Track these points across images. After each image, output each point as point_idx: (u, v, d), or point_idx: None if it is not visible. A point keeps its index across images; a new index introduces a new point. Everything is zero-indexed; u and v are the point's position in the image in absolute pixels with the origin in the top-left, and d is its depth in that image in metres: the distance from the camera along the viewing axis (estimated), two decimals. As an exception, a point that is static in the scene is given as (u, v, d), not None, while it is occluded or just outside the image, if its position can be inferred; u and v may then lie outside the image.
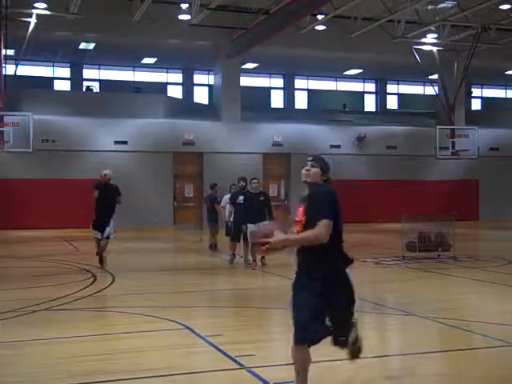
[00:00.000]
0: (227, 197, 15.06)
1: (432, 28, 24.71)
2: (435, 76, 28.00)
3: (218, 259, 15.20)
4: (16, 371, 5.90)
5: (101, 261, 12.76)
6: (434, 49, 26.01)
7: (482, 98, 35.71)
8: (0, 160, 22.46)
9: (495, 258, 14.79)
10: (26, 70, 26.37)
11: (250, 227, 12.66)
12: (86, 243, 19.19)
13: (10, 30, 20.68)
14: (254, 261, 13.12)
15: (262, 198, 13.27)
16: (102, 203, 12.60)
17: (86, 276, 11.89)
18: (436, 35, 25.24)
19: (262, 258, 13.05)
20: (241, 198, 13.62)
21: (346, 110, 31.27)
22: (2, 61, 21.06)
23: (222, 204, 15.54)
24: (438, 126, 25.92)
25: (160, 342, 6.91)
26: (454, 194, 28.08)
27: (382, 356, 6.63)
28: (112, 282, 11.34)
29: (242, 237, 13.59)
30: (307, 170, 4.62)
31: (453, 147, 25.85)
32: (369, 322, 8.52)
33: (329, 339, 4.65)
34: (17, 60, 21.88)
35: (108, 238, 12.64)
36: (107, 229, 12.55)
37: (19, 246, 17.84)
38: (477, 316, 8.53)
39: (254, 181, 13.59)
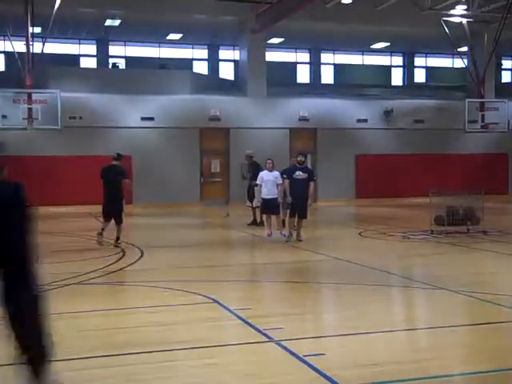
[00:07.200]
0: (263, 174, 14.49)
1: (461, -1, 24.20)
2: (464, 48, 27.48)
3: (246, 234, 15.23)
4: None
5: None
6: (464, 20, 25.48)
7: (512, 70, 35.04)
8: (29, 137, 22.63)
9: (525, 232, 14.62)
10: (53, 47, 26.42)
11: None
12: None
13: (36, 7, 20.74)
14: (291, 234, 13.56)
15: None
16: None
17: (114, 251, 12.02)
18: (465, 6, 24.66)
19: None
20: (298, 173, 13.48)
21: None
22: (30, 39, 21.14)
23: (257, 181, 14.59)
24: (467, 99, 25.49)
25: (188, 316, 6.97)
26: (483, 167, 27.70)
27: (409, 329, 6.62)
28: (140, 257, 11.46)
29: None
30: None
31: (482, 120, 25.44)
32: (397, 295, 8.50)
33: None
34: (44, 38, 21.91)
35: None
36: None
37: (49, 223, 18.04)
38: (507, 290, 8.45)
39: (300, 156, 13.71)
